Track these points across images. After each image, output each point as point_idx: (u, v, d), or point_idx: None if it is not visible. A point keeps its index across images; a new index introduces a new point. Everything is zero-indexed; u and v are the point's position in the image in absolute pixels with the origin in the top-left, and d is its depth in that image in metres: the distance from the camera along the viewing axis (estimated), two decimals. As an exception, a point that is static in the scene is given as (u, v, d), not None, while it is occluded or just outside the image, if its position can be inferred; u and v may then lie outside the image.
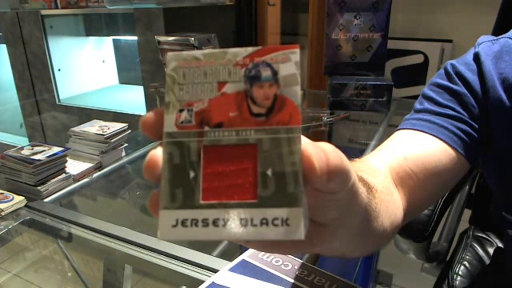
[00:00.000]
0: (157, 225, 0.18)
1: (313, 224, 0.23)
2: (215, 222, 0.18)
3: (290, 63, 0.19)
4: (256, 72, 0.19)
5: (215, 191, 0.18)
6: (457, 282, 0.68)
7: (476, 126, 0.43)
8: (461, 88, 0.44)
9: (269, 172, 0.18)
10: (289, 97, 0.19)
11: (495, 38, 0.46)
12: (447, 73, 0.46)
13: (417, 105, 0.46)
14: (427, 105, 0.45)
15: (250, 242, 0.23)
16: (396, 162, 0.40)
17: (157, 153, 0.19)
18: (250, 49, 0.20)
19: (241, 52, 0.20)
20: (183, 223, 0.18)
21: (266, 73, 0.19)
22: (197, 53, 0.20)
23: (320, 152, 0.18)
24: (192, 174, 0.19)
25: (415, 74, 1.26)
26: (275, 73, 0.19)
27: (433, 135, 0.42)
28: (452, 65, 0.46)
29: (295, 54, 0.19)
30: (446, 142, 0.42)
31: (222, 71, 0.20)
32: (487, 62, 0.43)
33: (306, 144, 0.18)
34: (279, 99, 0.19)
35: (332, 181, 0.19)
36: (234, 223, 0.18)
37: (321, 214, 0.22)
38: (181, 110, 0.19)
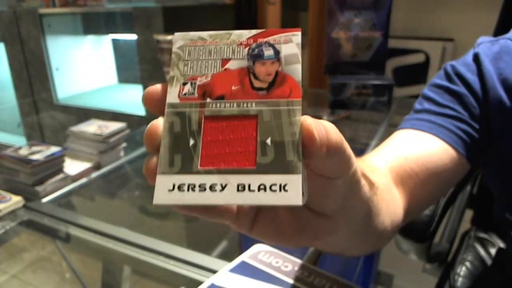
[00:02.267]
0: (153, 191, 0.18)
1: (315, 215, 0.23)
2: (212, 187, 0.18)
3: (291, 44, 0.20)
4: (259, 51, 0.20)
5: (214, 157, 0.19)
6: (459, 283, 0.67)
7: (477, 126, 0.43)
8: (461, 89, 0.44)
9: (268, 141, 0.18)
10: (290, 74, 0.20)
11: (494, 38, 0.46)
12: (446, 74, 0.46)
13: (417, 106, 0.46)
14: (427, 105, 0.45)
15: (253, 230, 0.23)
16: (396, 162, 0.40)
17: (158, 122, 0.19)
18: (254, 31, 0.21)
19: (245, 33, 0.21)
20: (180, 187, 0.18)
21: (268, 52, 0.20)
22: (202, 33, 0.21)
23: (320, 125, 0.18)
24: (192, 141, 0.19)
25: (416, 73, 1.25)
26: (277, 52, 0.20)
27: (434, 135, 0.42)
28: (452, 66, 0.46)
29: (297, 36, 0.20)
30: (446, 142, 0.41)
31: (226, 50, 0.20)
32: (486, 62, 0.43)
33: (306, 116, 0.19)
34: (280, 76, 0.20)
35: (331, 157, 0.19)
36: (232, 188, 0.18)
37: (322, 202, 0.22)
38: (184, 84, 0.20)
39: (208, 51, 0.20)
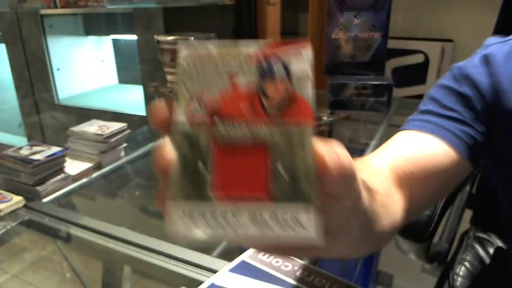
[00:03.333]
0: (165, 217, 0.18)
1: None
2: (223, 216, 0.18)
3: (301, 59, 0.19)
4: (268, 67, 0.19)
5: (224, 183, 0.18)
6: (458, 283, 0.67)
7: (480, 129, 0.43)
8: (468, 90, 0.44)
9: (280, 167, 0.18)
10: (300, 93, 0.19)
11: (503, 39, 0.46)
12: (453, 75, 0.46)
13: (422, 106, 0.47)
14: (432, 106, 0.45)
15: (252, 242, 0.23)
16: (397, 163, 0.40)
17: (166, 144, 0.19)
18: (261, 43, 0.19)
19: (253, 45, 0.20)
20: (191, 215, 0.18)
21: (278, 68, 0.19)
22: (209, 45, 0.20)
23: (332, 153, 0.18)
24: (201, 166, 0.18)
25: (416, 74, 1.25)
26: (286, 68, 0.19)
27: (435, 136, 0.42)
28: (459, 68, 0.46)
29: (307, 50, 0.19)
30: (447, 143, 0.41)
31: (233, 64, 0.19)
32: (498, 63, 0.43)
33: (319, 144, 0.18)
34: (290, 95, 0.19)
35: (342, 182, 0.19)
36: (243, 218, 0.17)
37: (326, 219, 0.22)
38: (191, 100, 0.19)
39: (215, 65, 0.19)
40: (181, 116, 0.19)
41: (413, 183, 0.39)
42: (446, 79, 0.47)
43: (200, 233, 0.17)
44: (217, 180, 0.18)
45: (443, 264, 0.75)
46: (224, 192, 0.18)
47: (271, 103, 0.19)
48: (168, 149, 0.19)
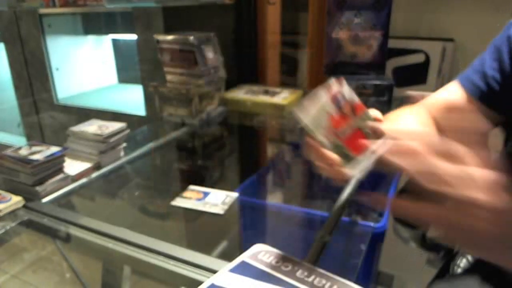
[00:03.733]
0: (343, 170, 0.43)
1: None
2: (363, 159, 0.43)
3: (345, 88, 0.43)
4: (338, 101, 0.43)
5: (354, 151, 0.43)
6: (457, 273, 0.67)
7: (499, 79, 0.50)
8: (504, 47, 0.50)
9: (367, 131, 0.44)
10: (354, 101, 0.44)
11: None
12: (504, 34, 0.51)
13: (475, 60, 0.55)
14: (476, 62, 0.54)
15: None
16: (431, 106, 0.56)
17: (324, 151, 0.43)
18: (326, 90, 0.43)
19: (324, 94, 0.42)
20: (352, 166, 0.43)
21: (341, 98, 0.43)
22: (306, 106, 0.42)
23: (378, 126, 0.43)
24: (345, 150, 0.43)
25: (416, 74, 1.25)
26: (343, 96, 0.43)
27: (465, 91, 0.53)
28: (508, 27, 0.51)
29: (344, 82, 0.43)
30: (466, 91, 0.53)
31: (325, 107, 0.42)
32: None
33: (373, 117, 0.45)
34: (352, 104, 0.43)
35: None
36: (368, 157, 0.42)
37: None
38: (324, 133, 0.43)
39: (319, 113, 0.42)
40: (326, 141, 0.43)
41: (440, 124, 0.53)
42: (498, 38, 0.53)
43: (357, 171, 0.43)
44: (352, 150, 0.43)
45: (447, 257, 0.75)
46: (356, 152, 0.43)
47: (348, 112, 0.43)
48: (327, 152, 0.43)
